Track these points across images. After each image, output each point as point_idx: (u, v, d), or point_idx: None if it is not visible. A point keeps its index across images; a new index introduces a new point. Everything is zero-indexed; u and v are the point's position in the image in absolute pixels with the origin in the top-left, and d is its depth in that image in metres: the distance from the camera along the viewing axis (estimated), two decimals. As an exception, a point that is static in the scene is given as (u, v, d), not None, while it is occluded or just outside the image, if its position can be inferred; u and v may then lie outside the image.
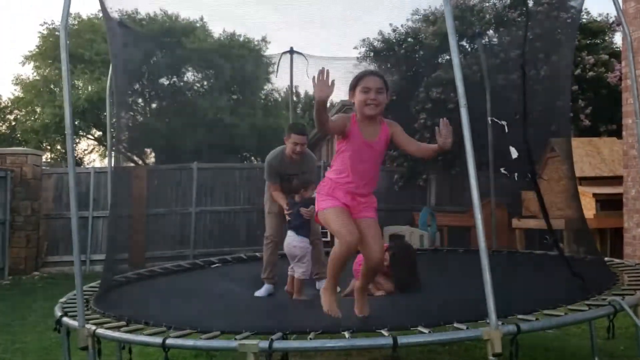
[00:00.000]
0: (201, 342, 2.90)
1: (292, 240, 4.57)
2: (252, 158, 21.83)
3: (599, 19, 12.64)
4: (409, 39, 13.01)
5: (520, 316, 2.94)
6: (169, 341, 2.88)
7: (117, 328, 3.20)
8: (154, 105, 20.52)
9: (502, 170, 4.25)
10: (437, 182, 13.48)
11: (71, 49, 18.25)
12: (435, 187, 13.52)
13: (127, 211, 11.71)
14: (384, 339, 2.71)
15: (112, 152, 6.33)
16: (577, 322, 3.04)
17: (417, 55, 12.95)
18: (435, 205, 13.23)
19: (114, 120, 6.02)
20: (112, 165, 6.32)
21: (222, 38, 19.89)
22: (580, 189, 7.32)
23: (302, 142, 4.93)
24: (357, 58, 13.22)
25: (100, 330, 3.15)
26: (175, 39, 18.36)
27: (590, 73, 11.22)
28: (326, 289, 3.35)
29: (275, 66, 7.82)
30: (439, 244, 11.14)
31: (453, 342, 4.82)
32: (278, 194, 5.03)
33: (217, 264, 6.01)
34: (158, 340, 2.91)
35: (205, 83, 20.28)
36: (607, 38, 12.54)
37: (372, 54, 13.27)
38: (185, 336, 3.00)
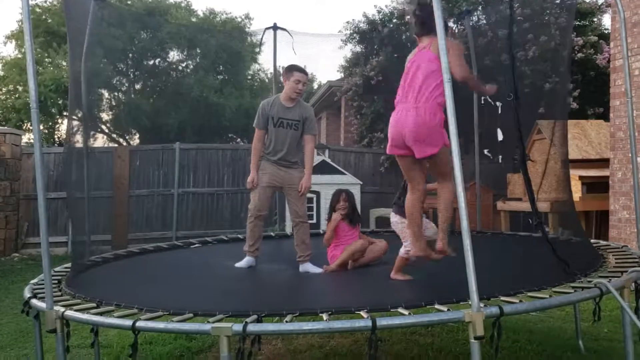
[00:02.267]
0: (172, 325, 2.78)
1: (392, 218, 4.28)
2: (239, 140, 21.66)
3: (588, 0, 12.54)
4: (394, 20, 12.87)
5: (503, 298, 2.85)
6: (139, 324, 2.77)
7: (87, 310, 3.08)
8: (138, 86, 20.26)
9: (485, 152, 4.14)
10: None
11: (55, 27, 17.91)
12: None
13: (107, 192, 11.58)
14: (363, 321, 2.61)
15: (79, 131, 6.12)
16: (561, 304, 2.97)
17: (403, 36, 12.82)
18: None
19: (90, 97, 5.81)
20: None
21: (204, 15, 19.66)
22: (567, 171, 7.27)
23: (305, 81, 4.85)
24: (342, 40, 13.09)
25: (68, 313, 3.02)
26: (159, 16, 18.09)
27: (579, 55, 11.14)
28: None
29: (260, 44, 7.64)
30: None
31: (434, 324, 4.78)
32: (258, 143, 4.89)
33: (196, 245, 5.88)
34: (128, 322, 2.79)
35: (190, 62, 20.05)
36: (595, 20, 12.45)
37: (357, 35, 13.14)
38: (157, 318, 2.89)
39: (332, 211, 4.84)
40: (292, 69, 4.91)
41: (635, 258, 3.86)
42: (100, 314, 3.05)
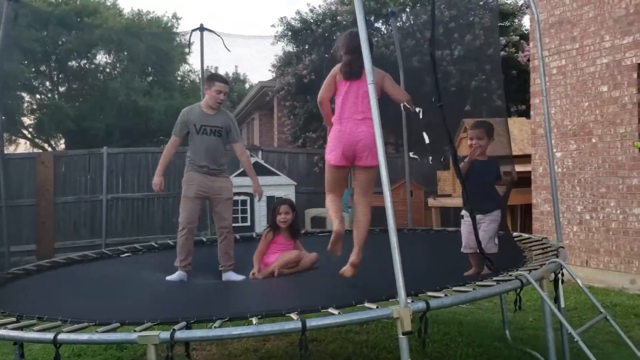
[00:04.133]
0: (97, 336, 2.69)
1: None
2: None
3: (509, 1, 13.05)
4: (327, 20, 12.96)
5: (430, 293, 2.92)
6: (61, 336, 2.66)
7: (4, 325, 2.93)
8: (62, 89, 19.53)
9: (411, 154, 4.26)
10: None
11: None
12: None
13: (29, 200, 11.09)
14: (293, 323, 2.61)
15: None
16: (485, 297, 3.07)
17: (334, 36, 12.90)
18: (355, 187, 13.29)
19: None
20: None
21: (131, 16, 19.16)
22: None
23: (226, 91, 4.86)
24: (275, 36, 13.05)
25: (-16, 329, 2.87)
26: (84, 17, 17.50)
27: (502, 53, 11.55)
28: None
29: (189, 45, 7.52)
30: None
31: (363, 322, 4.85)
32: (172, 149, 4.85)
33: (127, 254, 5.70)
34: (49, 336, 2.68)
35: (117, 65, 19.51)
36: (516, 20, 12.97)
37: (289, 33, 13.13)
38: (81, 330, 2.79)
39: (273, 222, 4.77)
40: (213, 78, 4.91)
41: (553, 250, 4.04)
42: (20, 328, 2.91)
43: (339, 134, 3.78)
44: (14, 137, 20.16)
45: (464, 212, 4.11)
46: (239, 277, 4.68)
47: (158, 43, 17.90)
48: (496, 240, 3.99)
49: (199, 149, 4.76)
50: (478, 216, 4.00)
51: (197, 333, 2.67)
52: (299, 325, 2.56)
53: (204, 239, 6.68)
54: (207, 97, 4.83)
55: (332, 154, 3.81)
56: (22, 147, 20.92)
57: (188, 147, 4.87)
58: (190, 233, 4.77)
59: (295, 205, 4.88)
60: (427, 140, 4.17)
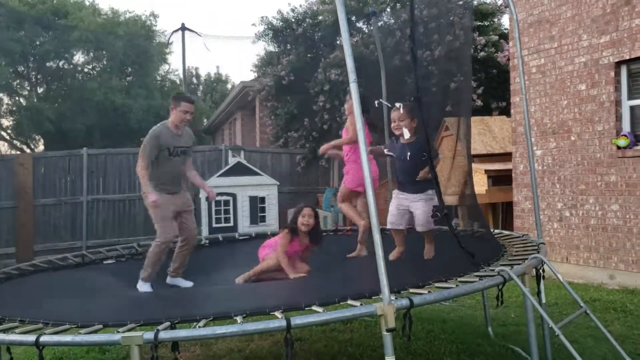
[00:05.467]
0: (80, 338, 2.67)
1: None
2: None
3: (488, 1, 13.15)
4: (307, 19, 12.96)
5: (412, 290, 2.94)
6: (44, 338, 2.64)
7: (-15, 328, 2.90)
8: (40, 90, 19.29)
9: (386, 151, 4.30)
10: (340, 163, 13.58)
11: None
12: (338, 168, 13.64)
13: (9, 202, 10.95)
14: (277, 321, 2.61)
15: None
16: (467, 293, 3.08)
17: (315, 36, 12.93)
18: (338, 186, 13.33)
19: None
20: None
21: (109, 15, 18.98)
22: (473, 165, 7.58)
23: (192, 111, 4.76)
24: (255, 34, 13.02)
25: (-36, 332, 2.83)
26: (61, 17, 17.30)
27: (482, 53, 11.65)
28: None
29: (170, 45, 7.47)
30: (342, 224, 11.24)
31: (348, 320, 4.87)
32: (146, 171, 4.60)
33: (110, 261, 5.59)
34: (31, 338, 2.65)
35: (96, 65, 19.33)
36: (496, 20, 13.07)
37: (270, 32, 13.11)
38: (64, 332, 2.76)
39: (294, 223, 4.57)
40: (180, 99, 4.79)
41: (534, 246, 4.08)
42: (3, 331, 2.88)
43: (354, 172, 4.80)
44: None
45: (395, 191, 4.35)
46: (187, 284, 4.67)
47: (136, 41, 17.77)
48: (432, 220, 4.15)
49: (168, 171, 4.70)
50: (412, 196, 4.21)
51: (181, 333, 2.65)
52: (283, 323, 2.56)
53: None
54: (174, 116, 4.71)
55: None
56: (0, 148, 20.66)
57: (152, 169, 4.67)
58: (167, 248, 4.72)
59: (316, 212, 4.74)
60: (406, 136, 4.19)
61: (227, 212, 10.94)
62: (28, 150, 19.39)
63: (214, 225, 10.41)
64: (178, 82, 21.61)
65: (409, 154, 4.19)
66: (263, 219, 11.06)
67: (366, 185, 2.72)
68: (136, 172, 4.73)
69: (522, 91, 4.54)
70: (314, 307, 2.80)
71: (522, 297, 3.39)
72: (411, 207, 4.22)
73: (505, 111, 11.33)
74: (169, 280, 4.72)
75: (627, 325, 5.08)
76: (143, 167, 4.61)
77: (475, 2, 12.25)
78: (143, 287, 4.49)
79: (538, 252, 3.76)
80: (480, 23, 12.47)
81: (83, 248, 10.63)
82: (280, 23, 13.15)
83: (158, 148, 4.64)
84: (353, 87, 2.82)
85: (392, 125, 4.30)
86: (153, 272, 4.59)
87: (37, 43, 17.40)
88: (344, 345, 4.76)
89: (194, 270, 4.84)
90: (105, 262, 5.48)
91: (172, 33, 6.28)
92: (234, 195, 10.50)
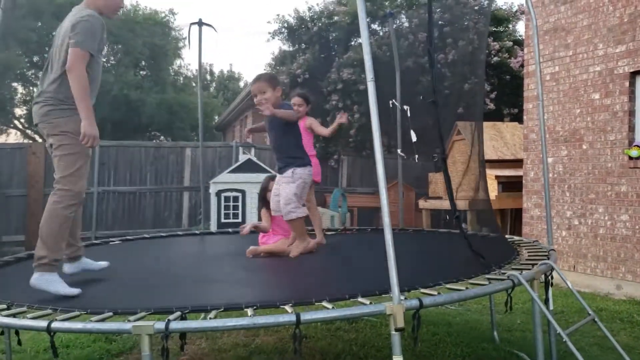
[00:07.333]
0: (91, 325, 2.68)
1: None
2: (162, 138, 21.14)
3: (504, 7, 13.14)
4: (323, 19, 12.98)
5: (422, 290, 2.94)
6: (55, 325, 2.65)
7: (-3, 312, 2.93)
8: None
9: (399, 152, 4.29)
10: (349, 164, 13.61)
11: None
12: (347, 168, 13.65)
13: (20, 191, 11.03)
14: (287, 316, 2.61)
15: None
16: (477, 296, 3.08)
17: (330, 36, 12.95)
18: (346, 187, 13.36)
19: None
20: None
21: (127, 9, 19.08)
22: (483, 170, 7.58)
23: None
24: (269, 33, 13.06)
25: (-25, 315, 2.86)
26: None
27: (495, 58, 11.64)
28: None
29: (186, 40, 7.48)
30: (349, 224, 11.25)
31: (357, 317, 4.87)
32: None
33: (115, 242, 5.69)
34: (43, 324, 2.67)
35: (111, 58, 19.42)
36: (510, 26, 13.06)
37: (285, 30, 13.14)
38: (74, 319, 2.78)
39: (262, 200, 4.63)
40: None
41: (544, 252, 4.08)
42: (13, 315, 2.90)
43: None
44: (5, 127, 20.02)
45: (277, 174, 4.27)
46: (102, 264, 3.95)
47: (153, 37, 17.85)
48: (298, 205, 4.02)
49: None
50: (279, 177, 4.09)
51: (192, 324, 2.66)
52: (293, 318, 2.57)
53: (197, 232, 6.73)
54: None
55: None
56: (13, 137, 20.79)
57: None
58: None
59: None
60: (414, 139, 4.15)
61: (235, 207, 10.98)
62: (40, 140, 19.52)
63: (223, 220, 10.46)
64: (191, 76, 21.67)
65: (274, 131, 4.12)
66: (271, 216, 11.06)
67: (380, 185, 2.72)
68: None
69: (539, 97, 4.53)
70: (324, 303, 2.81)
71: (529, 304, 3.40)
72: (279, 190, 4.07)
73: (517, 118, 11.32)
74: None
75: (633, 336, 5.06)
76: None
77: (490, 7, 12.25)
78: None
79: (548, 259, 3.75)
80: (495, 28, 12.47)
81: (92, 238, 10.70)
82: (296, 21, 13.18)
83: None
84: (370, 87, 2.83)
85: (256, 100, 4.09)
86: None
87: (53, 34, 17.52)
88: (349, 345, 4.77)
89: (199, 257, 4.87)
90: (111, 242, 5.56)
91: (189, 27, 6.28)
92: (243, 192, 10.53)
